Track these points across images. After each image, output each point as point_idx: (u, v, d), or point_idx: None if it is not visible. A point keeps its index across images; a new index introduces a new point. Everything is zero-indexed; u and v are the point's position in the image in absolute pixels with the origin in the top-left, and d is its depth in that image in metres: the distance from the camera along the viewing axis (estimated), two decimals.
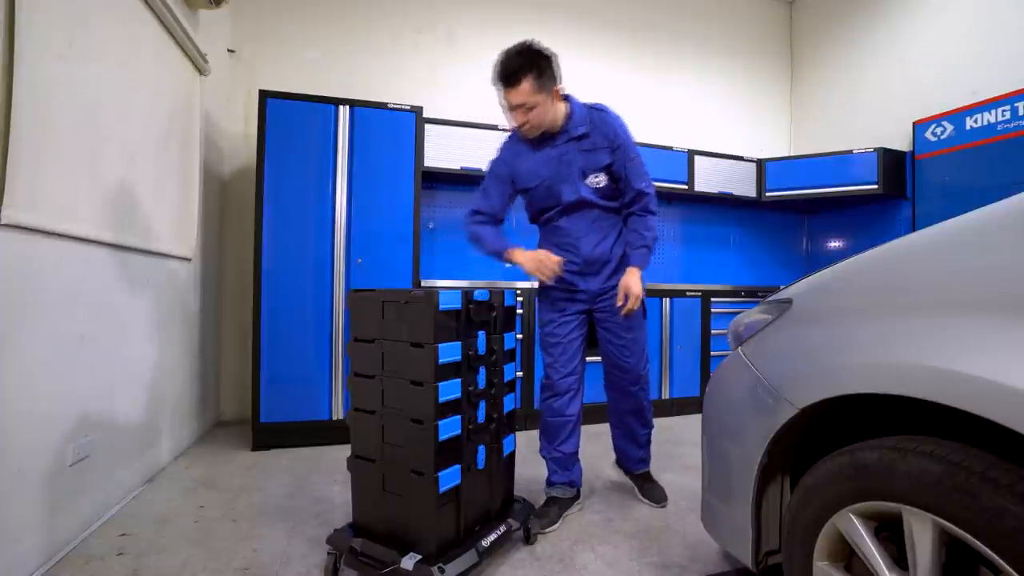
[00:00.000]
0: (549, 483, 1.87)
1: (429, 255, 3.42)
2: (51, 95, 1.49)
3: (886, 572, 0.80)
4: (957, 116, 3.17)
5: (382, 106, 2.78)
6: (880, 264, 0.94)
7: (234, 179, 3.23)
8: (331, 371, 2.66)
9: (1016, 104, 2.88)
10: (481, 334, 1.50)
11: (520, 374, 2.98)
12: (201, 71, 2.62)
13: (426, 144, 3.03)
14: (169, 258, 2.33)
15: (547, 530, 1.71)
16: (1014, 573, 0.63)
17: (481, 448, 1.49)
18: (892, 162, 3.46)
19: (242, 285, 3.16)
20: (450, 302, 1.37)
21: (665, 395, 3.35)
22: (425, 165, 3.02)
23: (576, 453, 1.88)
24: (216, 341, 3.07)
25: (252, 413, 2.57)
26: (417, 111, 2.83)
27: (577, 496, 1.89)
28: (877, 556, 0.81)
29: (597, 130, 1.78)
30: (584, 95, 1.88)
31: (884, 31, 3.70)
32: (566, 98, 1.80)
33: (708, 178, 3.76)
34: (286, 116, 2.62)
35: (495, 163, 1.92)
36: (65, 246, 1.56)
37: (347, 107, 2.71)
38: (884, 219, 3.71)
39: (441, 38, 3.59)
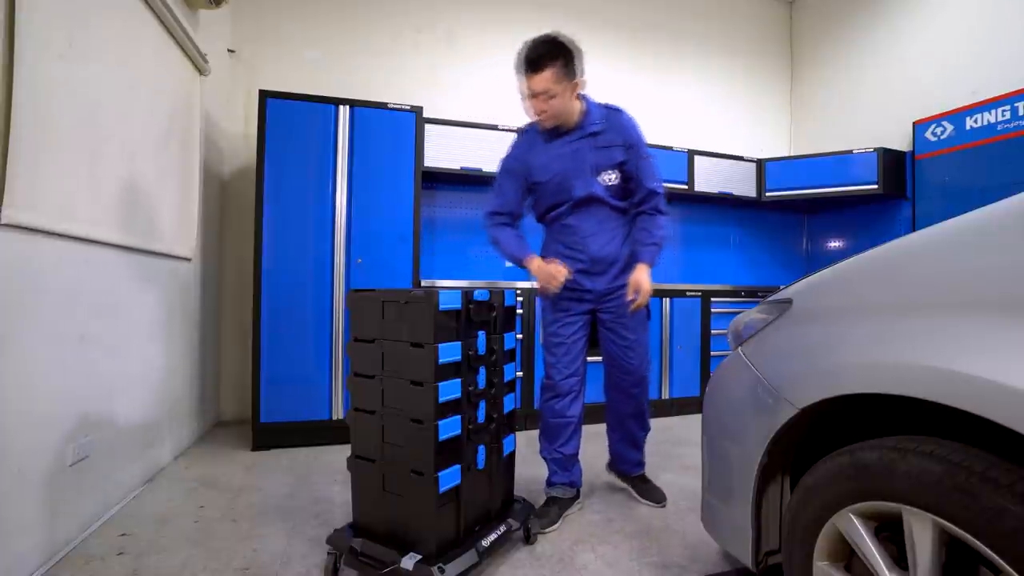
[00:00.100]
0: (549, 483, 1.87)
1: (429, 255, 3.42)
2: (51, 95, 1.48)
3: (886, 572, 0.80)
4: (957, 116, 3.17)
5: (382, 106, 2.78)
6: (880, 264, 0.94)
7: (234, 179, 3.23)
8: (331, 371, 2.66)
9: (1016, 104, 2.88)
10: (481, 334, 1.50)
11: (520, 374, 2.98)
12: (201, 71, 2.62)
13: (426, 144, 3.03)
14: (169, 258, 2.33)
15: (547, 530, 1.71)
16: (1014, 573, 0.63)
17: (481, 448, 1.49)
18: (892, 162, 3.46)
19: (242, 285, 3.16)
20: (450, 302, 1.37)
21: (665, 395, 3.35)
22: (425, 165, 3.02)
23: (576, 454, 1.88)
24: (216, 341, 3.07)
25: (252, 413, 2.57)
26: (417, 111, 2.83)
27: (577, 496, 1.89)
28: (877, 556, 0.81)
29: (611, 128, 1.79)
30: (584, 94, 1.88)
31: (884, 31, 3.70)
32: (582, 97, 1.81)
33: (708, 178, 3.76)
34: (286, 116, 2.62)
35: (507, 159, 1.91)
36: (65, 246, 1.56)
37: (347, 107, 2.71)
38: (884, 219, 3.71)
39: (441, 38, 3.59)
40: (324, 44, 3.36)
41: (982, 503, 0.67)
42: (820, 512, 0.91)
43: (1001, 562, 0.65)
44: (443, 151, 3.12)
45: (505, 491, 1.66)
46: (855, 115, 3.94)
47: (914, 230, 1.92)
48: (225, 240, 3.18)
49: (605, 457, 2.11)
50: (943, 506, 0.71)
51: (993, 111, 2.98)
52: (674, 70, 4.15)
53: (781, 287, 1.19)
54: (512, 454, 1.68)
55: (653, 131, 3.81)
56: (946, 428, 0.82)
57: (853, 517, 0.85)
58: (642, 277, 1.74)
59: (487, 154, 3.20)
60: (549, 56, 1.66)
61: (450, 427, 1.36)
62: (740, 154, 3.91)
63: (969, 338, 0.73)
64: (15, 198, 1.32)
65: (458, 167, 3.15)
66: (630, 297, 1.75)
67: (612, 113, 1.82)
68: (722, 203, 4.04)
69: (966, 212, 0.83)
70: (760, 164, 3.90)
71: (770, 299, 1.17)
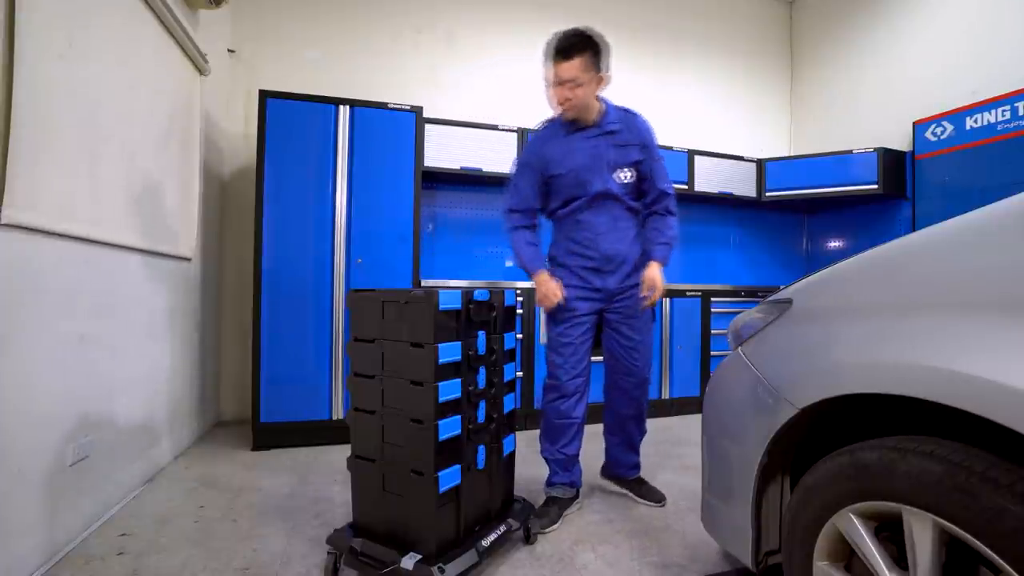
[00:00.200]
0: (549, 483, 1.87)
1: (429, 255, 3.42)
2: (51, 95, 1.49)
3: (886, 572, 0.80)
4: (957, 116, 3.17)
5: (382, 106, 2.78)
6: (880, 264, 0.94)
7: (234, 179, 3.23)
8: (331, 371, 2.66)
9: (1016, 104, 2.88)
10: (481, 334, 1.50)
11: (520, 374, 2.98)
12: (201, 71, 2.62)
13: (426, 144, 3.03)
14: (169, 258, 2.33)
15: (547, 530, 1.71)
16: (1014, 573, 0.63)
17: (481, 448, 1.49)
18: (892, 162, 3.46)
19: (242, 285, 3.16)
20: (450, 302, 1.37)
21: (665, 395, 3.35)
22: (425, 165, 3.02)
23: (578, 454, 1.89)
24: (216, 341, 3.07)
25: (252, 413, 2.57)
26: (417, 111, 2.83)
27: (576, 496, 1.89)
28: (877, 556, 0.81)
29: (628, 129, 1.83)
30: None
31: (884, 31, 3.70)
32: (600, 99, 1.83)
33: (708, 178, 3.76)
34: (286, 116, 2.62)
35: (524, 153, 1.92)
36: (65, 246, 1.56)
37: (347, 107, 2.71)
38: (884, 219, 3.71)
39: (441, 38, 3.59)
40: (324, 44, 3.36)
41: (982, 503, 0.67)
42: (820, 512, 0.91)
43: (1001, 562, 0.65)
44: (443, 151, 3.12)
45: (505, 491, 1.66)
46: (855, 115, 3.94)
47: (914, 230, 1.92)
48: (225, 240, 3.18)
49: (604, 456, 2.11)
50: (943, 506, 0.71)
51: (993, 111, 2.98)
52: (674, 70, 4.15)
53: (781, 287, 1.19)
54: (512, 454, 1.68)
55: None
56: (946, 428, 0.82)
57: (853, 517, 0.85)
58: (656, 274, 1.77)
59: (487, 154, 3.20)
60: (579, 46, 1.70)
61: (450, 427, 1.36)
62: (740, 154, 3.91)
63: (969, 338, 0.73)
64: (15, 198, 1.32)
65: (458, 167, 3.15)
66: (644, 294, 1.77)
67: (629, 115, 1.86)
68: (722, 203, 4.04)
69: (966, 212, 0.83)
70: (760, 164, 3.90)
71: (770, 299, 1.17)
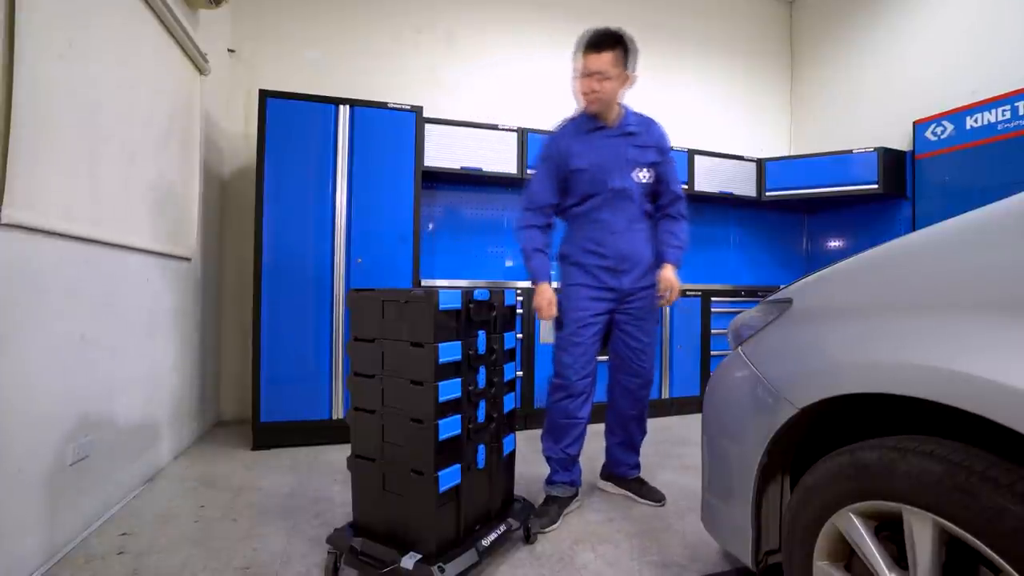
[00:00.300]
0: (550, 482, 1.87)
1: (429, 255, 3.42)
2: (51, 95, 1.48)
3: (886, 572, 0.80)
4: (957, 116, 3.17)
5: (382, 106, 2.78)
6: (880, 264, 0.94)
7: (234, 179, 3.23)
8: (331, 371, 2.66)
9: (1016, 104, 2.88)
10: (481, 334, 1.50)
11: (520, 374, 2.98)
12: (201, 71, 2.62)
13: (426, 144, 3.03)
14: (169, 258, 2.33)
15: (547, 529, 1.71)
16: (1014, 573, 0.63)
17: (481, 447, 1.49)
18: (892, 162, 3.46)
19: (242, 285, 3.16)
20: (450, 302, 1.37)
21: (665, 395, 3.35)
22: (425, 165, 3.02)
23: (579, 454, 1.89)
24: (216, 341, 3.07)
25: (252, 413, 2.57)
26: (417, 111, 2.83)
27: (576, 495, 1.89)
28: (877, 556, 0.81)
29: (646, 133, 1.90)
30: None
31: (884, 30, 3.70)
32: (620, 104, 1.88)
33: (708, 178, 3.76)
34: (286, 116, 2.62)
35: (544, 148, 1.93)
36: (65, 246, 1.56)
37: (347, 107, 2.71)
38: (884, 219, 3.71)
39: (441, 38, 3.59)
40: (324, 44, 3.36)
41: (982, 503, 0.67)
42: (820, 512, 0.91)
43: (1001, 562, 0.65)
44: (443, 151, 3.12)
45: (505, 490, 1.66)
46: (855, 115, 3.94)
47: (914, 230, 1.93)
48: (225, 240, 3.18)
49: (605, 456, 2.11)
50: (943, 506, 0.71)
51: (993, 111, 2.98)
52: (674, 70, 4.15)
53: (781, 287, 1.19)
54: (512, 453, 1.68)
55: None
56: (946, 428, 0.82)
57: (853, 517, 0.85)
58: (673, 276, 1.84)
59: (488, 154, 3.20)
60: (611, 41, 1.76)
61: (450, 426, 1.36)
62: (740, 154, 3.91)
63: (969, 337, 0.73)
64: (15, 198, 1.32)
65: (458, 167, 3.15)
66: (662, 294, 1.84)
67: (646, 120, 1.94)
68: (722, 203, 4.04)
69: (966, 212, 0.83)
70: (760, 164, 3.90)
71: (770, 299, 1.17)
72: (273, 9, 3.28)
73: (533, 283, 1.87)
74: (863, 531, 0.84)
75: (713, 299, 3.48)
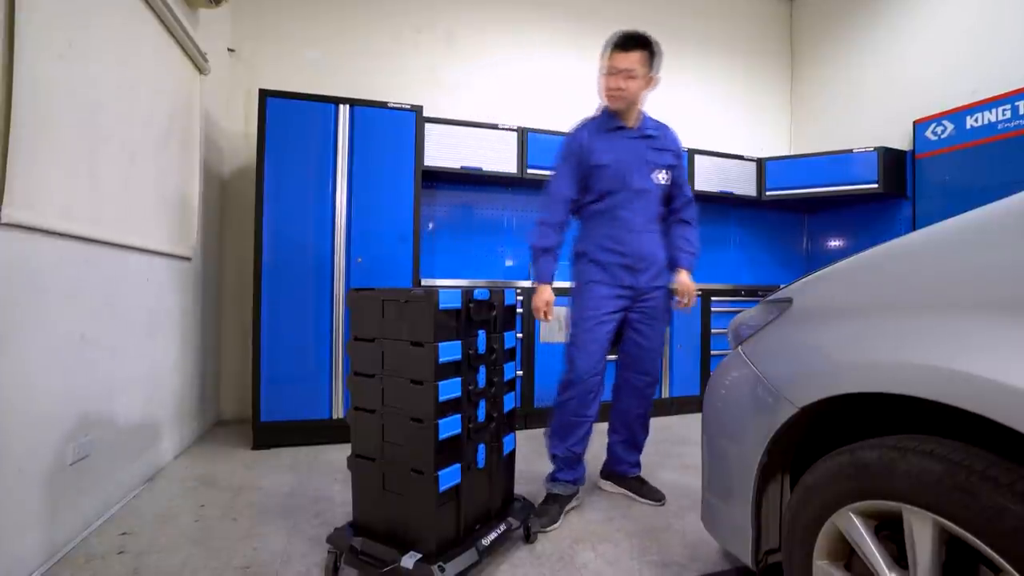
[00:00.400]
0: (553, 479, 1.88)
1: (429, 254, 3.42)
2: (51, 95, 1.48)
3: (886, 571, 0.80)
4: (957, 115, 3.17)
5: (382, 105, 2.78)
6: (880, 263, 0.94)
7: (234, 178, 3.23)
8: (331, 370, 2.66)
9: (1016, 103, 2.88)
10: (481, 333, 1.50)
11: (520, 373, 2.98)
12: (201, 70, 2.62)
13: (426, 143, 3.03)
14: (169, 257, 2.33)
15: (548, 529, 1.71)
16: (1014, 572, 0.63)
17: (481, 447, 1.49)
18: (892, 161, 3.46)
19: (242, 285, 3.16)
20: (450, 301, 1.37)
21: (665, 394, 3.35)
22: (425, 164, 3.02)
23: (584, 453, 1.90)
24: (216, 340, 3.07)
25: (252, 412, 2.57)
26: (417, 110, 2.83)
27: (576, 492, 1.90)
28: (877, 555, 0.81)
29: (663, 136, 1.96)
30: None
31: (884, 30, 3.70)
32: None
33: (708, 177, 3.76)
34: (286, 115, 2.62)
35: (564, 146, 1.94)
36: (65, 245, 1.56)
37: (347, 106, 2.71)
38: (884, 218, 3.71)
39: (441, 37, 3.59)
40: (324, 44, 3.36)
41: (982, 502, 0.67)
42: (820, 511, 0.91)
43: (1001, 561, 0.65)
44: (444, 150, 3.12)
45: (505, 490, 1.66)
46: (855, 114, 3.93)
47: (914, 229, 1.93)
48: (225, 239, 3.18)
49: (606, 453, 2.11)
50: (943, 505, 0.71)
51: (993, 110, 2.98)
52: (674, 69, 4.12)
53: (781, 286, 1.19)
54: (512, 453, 1.68)
55: None
56: (946, 427, 0.82)
57: (853, 516, 0.85)
58: (690, 281, 1.92)
59: (488, 153, 3.20)
60: (640, 42, 1.80)
61: (450, 426, 1.36)
62: (740, 153, 3.91)
63: (969, 337, 0.73)
64: (15, 197, 1.32)
65: (458, 166, 3.15)
66: (682, 299, 1.92)
67: (662, 125, 1.99)
68: (722, 202, 4.04)
69: (966, 211, 0.83)
70: (760, 163, 3.90)
71: (770, 298, 1.17)
72: (273, 9, 3.28)
73: (534, 284, 1.88)
74: (863, 530, 0.84)
75: (713, 298, 3.48)
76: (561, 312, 3.04)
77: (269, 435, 2.58)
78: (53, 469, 1.51)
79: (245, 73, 3.22)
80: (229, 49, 3.17)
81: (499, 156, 3.22)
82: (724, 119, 4.28)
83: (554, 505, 1.79)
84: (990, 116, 2.99)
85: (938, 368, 0.74)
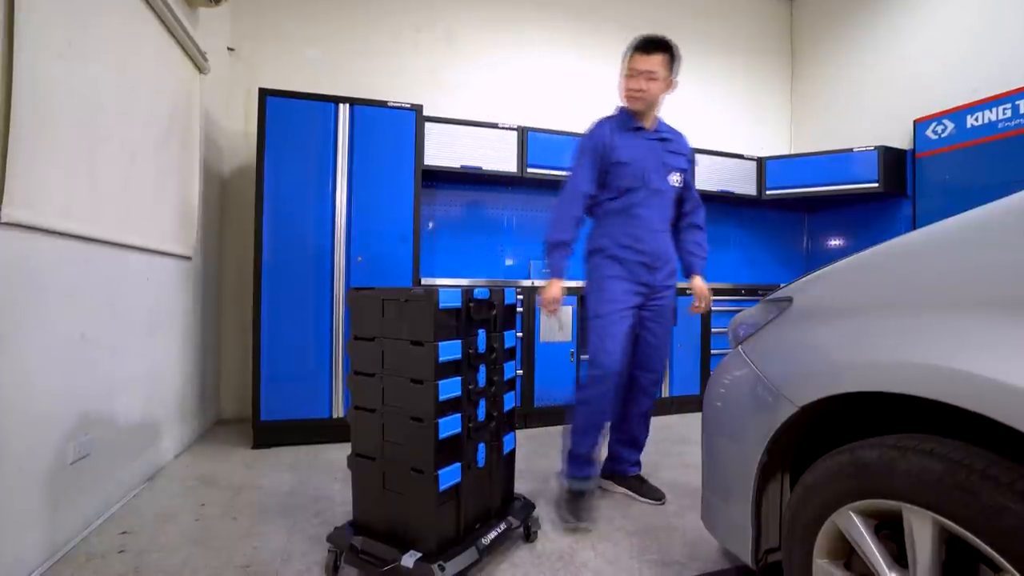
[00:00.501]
0: (582, 476, 1.86)
1: (429, 253, 3.42)
2: (50, 94, 1.48)
3: (886, 570, 0.80)
4: (958, 114, 3.16)
5: (382, 104, 2.78)
6: (880, 262, 0.94)
7: (234, 177, 3.23)
8: (331, 369, 2.66)
9: (1017, 102, 2.87)
10: (481, 332, 1.50)
11: (520, 372, 2.98)
12: (201, 69, 2.62)
13: (426, 142, 3.03)
14: (169, 257, 2.33)
15: (583, 525, 1.72)
16: (1014, 571, 0.63)
17: (481, 446, 1.49)
18: (893, 160, 3.46)
19: (242, 284, 3.16)
20: (450, 300, 1.37)
21: (665, 393, 3.35)
22: (425, 163, 3.01)
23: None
24: (216, 340, 3.07)
25: (252, 411, 2.57)
26: (417, 109, 2.83)
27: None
28: (877, 554, 0.81)
29: (677, 140, 2.02)
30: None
31: (885, 29, 3.70)
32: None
33: (708, 176, 3.75)
34: (286, 114, 2.62)
35: (582, 143, 1.94)
36: (65, 245, 1.56)
37: (347, 105, 2.71)
38: (884, 217, 3.71)
39: (441, 37, 3.58)
40: (324, 43, 3.36)
41: (982, 501, 0.67)
42: (820, 510, 0.91)
43: (1001, 560, 0.65)
44: (443, 149, 3.12)
45: (505, 489, 1.66)
46: (856, 113, 3.93)
47: (914, 228, 1.93)
48: (225, 238, 3.18)
49: (607, 451, 2.11)
50: (943, 504, 0.71)
51: (994, 109, 2.98)
52: None
53: (781, 285, 1.19)
54: (512, 452, 1.68)
55: None
56: (946, 426, 0.82)
57: (853, 515, 0.85)
58: (705, 285, 2.01)
59: (488, 152, 3.20)
60: (662, 46, 1.84)
61: (450, 425, 1.36)
62: (740, 152, 3.91)
63: (969, 336, 0.73)
64: (14, 197, 1.32)
65: (458, 165, 3.15)
66: (697, 304, 1.99)
67: (675, 131, 2.05)
68: (722, 201, 4.03)
69: (966, 210, 0.83)
70: (760, 162, 3.89)
71: (770, 297, 1.17)
72: (273, 8, 3.28)
73: (551, 275, 1.89)
74: (863, 529, 0.84)
75: (713, 298, 3.47)
76: (564, 311, 3.04)
77: (269, 434, 2.58)
78: (53, 468, 1.51)
79: (245, 72, 3.21)
80: (229, 48, 3.17)
81: (499, 155, 3.22)
82: (724, 118, 4.27)
83: (585, 503, 1.79)
84: (990, 115, 2.99)
85: (938, 367, 0.74)
